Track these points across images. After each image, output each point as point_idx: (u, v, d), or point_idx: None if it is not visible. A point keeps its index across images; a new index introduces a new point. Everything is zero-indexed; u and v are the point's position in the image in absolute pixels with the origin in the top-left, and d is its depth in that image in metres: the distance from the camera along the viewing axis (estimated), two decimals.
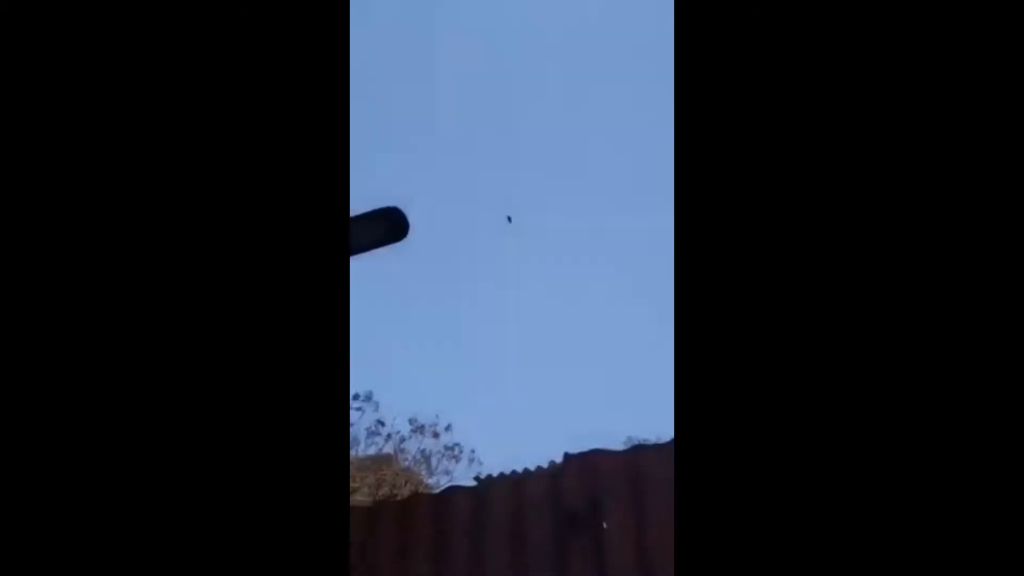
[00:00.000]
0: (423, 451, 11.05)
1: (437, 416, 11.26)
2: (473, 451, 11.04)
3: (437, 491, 3.26)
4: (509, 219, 11.23)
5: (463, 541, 2.72)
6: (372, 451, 11.24)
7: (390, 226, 3.12)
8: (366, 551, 2.84)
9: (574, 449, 2.95)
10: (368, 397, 11.24)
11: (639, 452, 2.79)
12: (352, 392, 11.38)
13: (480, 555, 2.67)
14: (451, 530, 2.74)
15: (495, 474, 3.09)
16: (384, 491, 9.11)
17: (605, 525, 2.71)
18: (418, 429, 11.02)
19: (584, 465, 2.80)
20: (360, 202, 3.11)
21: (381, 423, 11.25)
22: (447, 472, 10.56)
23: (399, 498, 3.29)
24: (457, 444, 11.04)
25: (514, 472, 3.01)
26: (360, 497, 7.89)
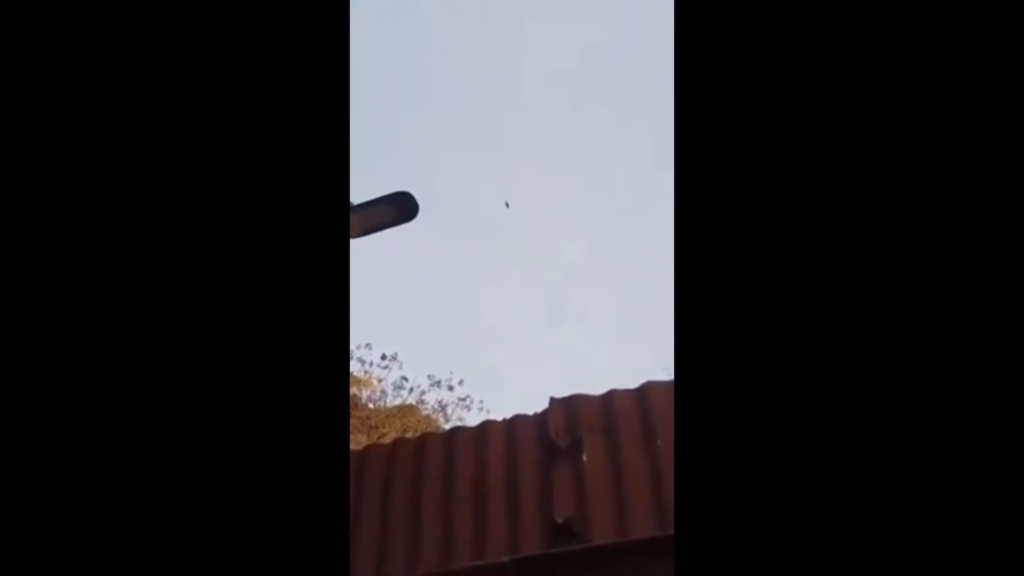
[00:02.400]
0: (440, 402, 12.20)
1: (451, 372, 12.49)
2: (482, 402, 12.30)
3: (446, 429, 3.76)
4: (507, 204, 12.04)
5: (468, 468, 3.27)
6: (398, 402, 12.24)
7: (401, 208, 3.59)
8: (389, 481, 3.41)
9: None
10: (394, 356, 12.47)
11: (613, 396, 3.31)
12: (380, 352, 12.46)
13: (481, 479, 3.23)
14: (455, 460, 3.30)
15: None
16: (409, 435, 9.85)
17: (585, 458, 3.24)
18: (436, 383, 12.23)
19: (567, 406, 3.33)
20: (375, 188, 3.61)
21: (405, 379, 12.48)
22: (461, 419, 11.67)
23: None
24: (468, 396, 12.27)
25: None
26: (387, 441, 8.58)
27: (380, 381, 12.48)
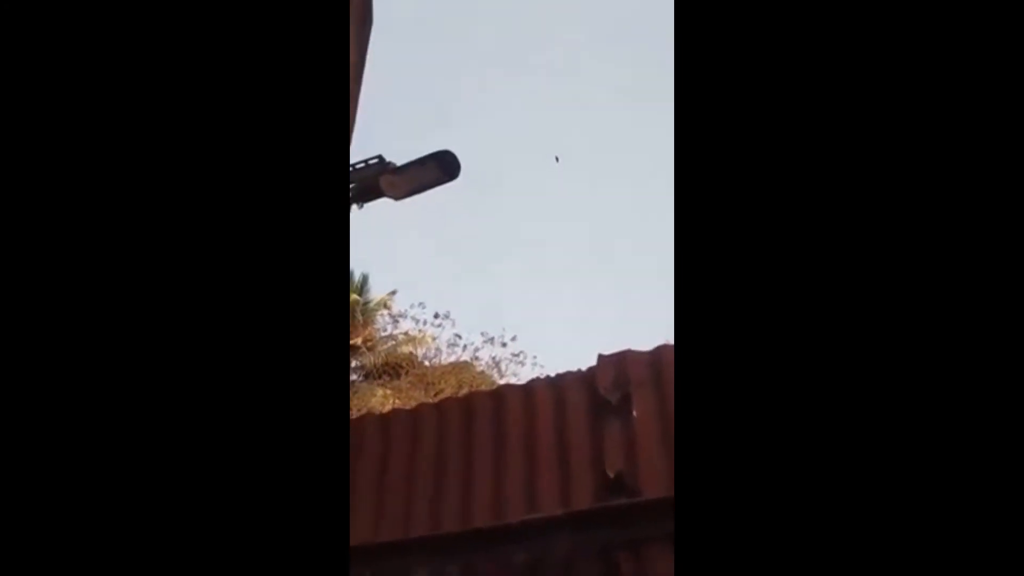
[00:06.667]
0: (494, 358, 12.35)
1: (504, 329, 12.63)
2: (535, 357, 12.39)
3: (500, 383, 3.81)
4: (557, 159, 11.97)
5: (517, 425, 3.30)
6: (452, 359, 12.44)
7: (443, 167, 3.59)
8: (441, 436, 3.47)
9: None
10: (447, 315, 12.65)
11: (662, 351, 3.27)
12: (433, 311, 12.69)
13: (531, 436, 3.26)
14: (504, 420, 3.33)
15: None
16: (465, 391, 10.04)
17: (635, 413, 3.23)
18: (488, 340, 12.37)
19: (616, 362, 3.31)
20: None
21: (458, 336, 12.63)
22: (515, 375, 11.77)
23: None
24: (522, 351, 12.40)
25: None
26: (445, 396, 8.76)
27: (435, 339, 12.69)
